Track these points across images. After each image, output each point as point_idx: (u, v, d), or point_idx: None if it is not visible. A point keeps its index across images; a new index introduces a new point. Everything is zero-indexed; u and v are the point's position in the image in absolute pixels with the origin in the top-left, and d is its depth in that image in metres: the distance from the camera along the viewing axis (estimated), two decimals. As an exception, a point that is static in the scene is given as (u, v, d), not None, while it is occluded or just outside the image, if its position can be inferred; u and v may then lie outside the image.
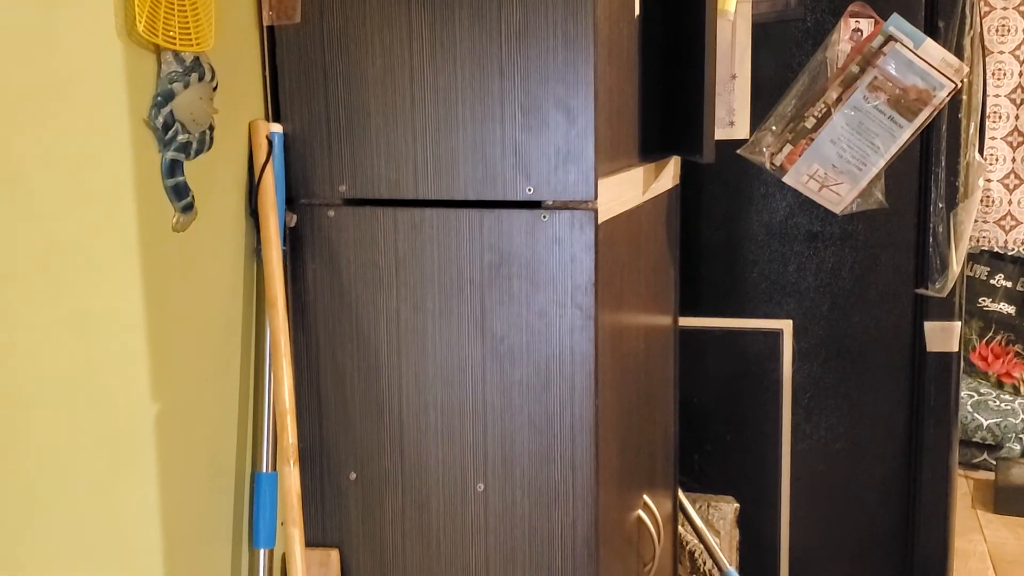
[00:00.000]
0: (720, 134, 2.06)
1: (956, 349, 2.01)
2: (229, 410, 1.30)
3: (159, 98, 1.10)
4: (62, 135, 0.98)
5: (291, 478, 1.29)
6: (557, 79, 1.24)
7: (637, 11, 1.50)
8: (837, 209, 2.00)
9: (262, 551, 1.33)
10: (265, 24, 1.32)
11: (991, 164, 3.96)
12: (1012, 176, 3.97)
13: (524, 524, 1.35)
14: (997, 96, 3.93)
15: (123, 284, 1.07)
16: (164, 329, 1.15)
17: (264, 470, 1.34)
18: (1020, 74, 3.89)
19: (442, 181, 1.30)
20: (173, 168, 1.13)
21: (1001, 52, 3.90)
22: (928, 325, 2.00)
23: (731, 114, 2.06)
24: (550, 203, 1.27)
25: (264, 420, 1.34)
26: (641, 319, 1.62)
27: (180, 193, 1.14)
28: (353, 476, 1.40)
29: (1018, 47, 3.87)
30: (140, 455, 1.11)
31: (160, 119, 1.10)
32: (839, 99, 1.93)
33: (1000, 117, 3.94)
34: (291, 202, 1.36)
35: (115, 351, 1.07)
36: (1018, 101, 3.91)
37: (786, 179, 2.00)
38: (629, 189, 1.47)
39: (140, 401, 1.11)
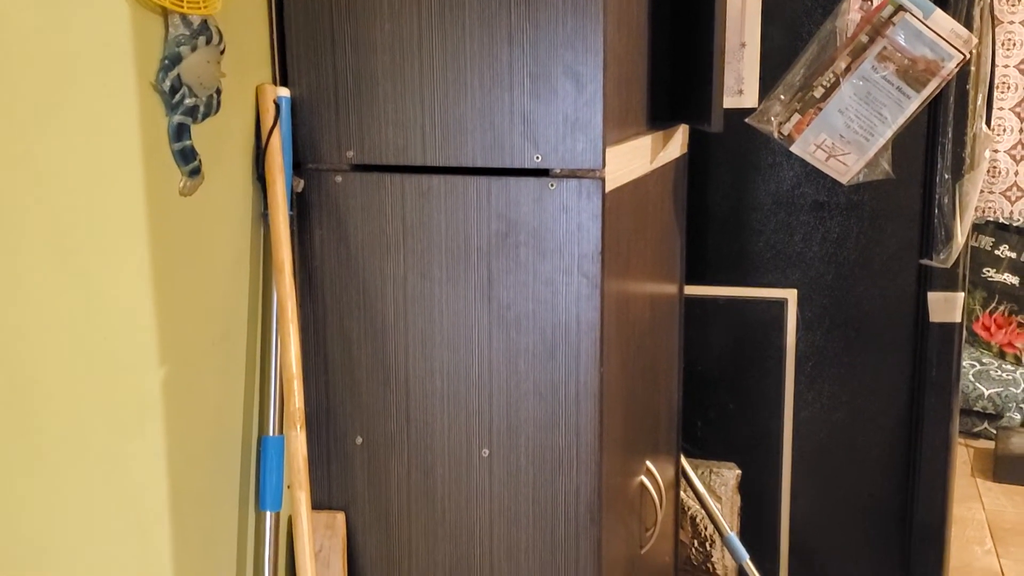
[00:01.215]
0: (728, 103, 2.05)
1: (959, 320, 2.01)
2: (236, 374, 1.30)
3: (166, 61, 1.09)
4: (69, 99, 0.98)
5: (297, 442, 1.30)
6: (566, 46, 1.23)
7: (647, -23, 1.49)
8: (844, 179, 2.00)
9: (268, 513, 1.35)
10: (273, -13, 1.31)
11: (998, 135, 3.94)
12: (1019, 147, 3.95)
13: (528, 489, 1.36)
14: (1006, 67, 3.90)
15: (130, 248, 1.08)
16: (171, 293, 1.15)
17: (271, 434, 1.35)
18: (1031, 44, 3.86)
19: (450, 148, 1.30)
20: (180, 132, 1.13)
21: (1011, 22, 3.86)
22: (931, 296, 2.01)
23: (740, 82, 2.05)
24: (558, 171, 1.27)
25: (271, 384, 1.35)
26: (647, 287, 1.62)
27: (187, 157, 1.14)
28: (359, 440, 1.41)
29: (1029, 17, 3.84)
30: (148, 418, 1.12)
31: (167, 82, 1.09)
32: (848, 69, 1.92)
33: (1009, 88, 3.91)
34: (298, 167, 1.36)
35: (122, 314, 1.07)
36: (1027, 71, 3.88)
37: (793, 148, 2.00)
38: (637, 158, 1.47)
39: (147, 364, 1.12)
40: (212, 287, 1.23)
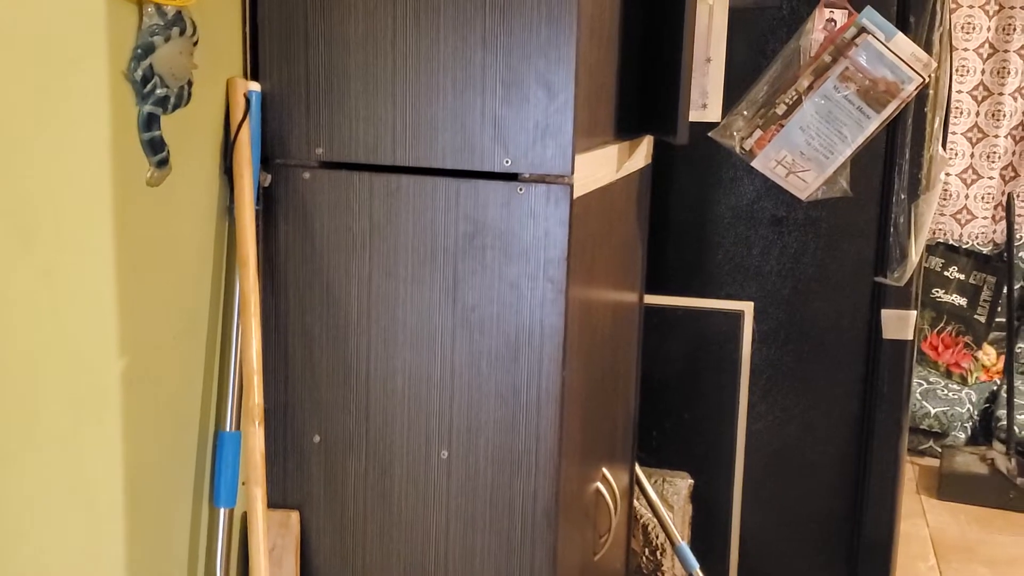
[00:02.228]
0: (692, 116, 2.08)
1: (911, 338, 2.05)
2: (195, 368, 1.29)
3: (139, 51, 1.09)
4: (40, 84, 0.97)
5: (255, 438, 1.30)
6: (539, 54, 1.25)
7: (619, -11, 1.51)
8: (803, 195, 2.04)
9: (222, 510, 1.34)
10: (248, -19, 1.31)
11: (950, 159, 4.04)
12: (970, 171, 4.05)
13: (486, 492, 1.36)
14: (959, 92, 3.99)
15: (94, 236, 1.06)
16: (134, 284, 1.14)
17: (228, 429, 1.34)
18: (982, 71, 3.96)
19: (420, 148, 1.30)
20: (150, 122, 1.12)
21: (965, 49, 3.96)
22: (885, 313, 2.05)
23: (704, 96, 2.08)
24: (527, 176, 1.28)
25: (229, 379, 1.34)
26: (609, 295, 1.64)
27: (156, 147, 1.13)
28: (317, 439, 1.41)
29: (981, 45, 3.93)
30: (105, 409, 1.11)
31: (139, 72, 1.08)
32: (810, 87, 1.96)
33: (961, 113, 4.00)
34: (266, 162, 1.35)
35: (83, 303, 1.06)
36: (979, 98, 3.98)
37: (755, 164, 2.03)
38: (604, 166, 1.48)
39: (107, 355, 1.10)
40: (175, 279, 1.22)
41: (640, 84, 1.69)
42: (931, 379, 3.77)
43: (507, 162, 1.28)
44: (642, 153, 1.84)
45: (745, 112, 2.01)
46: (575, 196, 1.29)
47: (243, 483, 1.37)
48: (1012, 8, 3.88)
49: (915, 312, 2.04)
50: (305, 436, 1.42)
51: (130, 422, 1.16)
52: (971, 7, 3.91)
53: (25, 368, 0.98)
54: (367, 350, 1.37)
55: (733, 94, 2.05)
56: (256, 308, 1.29)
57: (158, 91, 1.12)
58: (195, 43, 1.19)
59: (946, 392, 3.66)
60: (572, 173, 1.27)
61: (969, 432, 3.58)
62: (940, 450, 3.49)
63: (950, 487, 3.28)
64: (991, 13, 3.91)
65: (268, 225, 1.37)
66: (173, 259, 1.21)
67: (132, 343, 1.15)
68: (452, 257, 1.31)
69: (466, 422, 1.35)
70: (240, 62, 1.33)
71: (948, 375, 3.82)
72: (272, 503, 1.44)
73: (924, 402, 3.60)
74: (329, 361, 1.39)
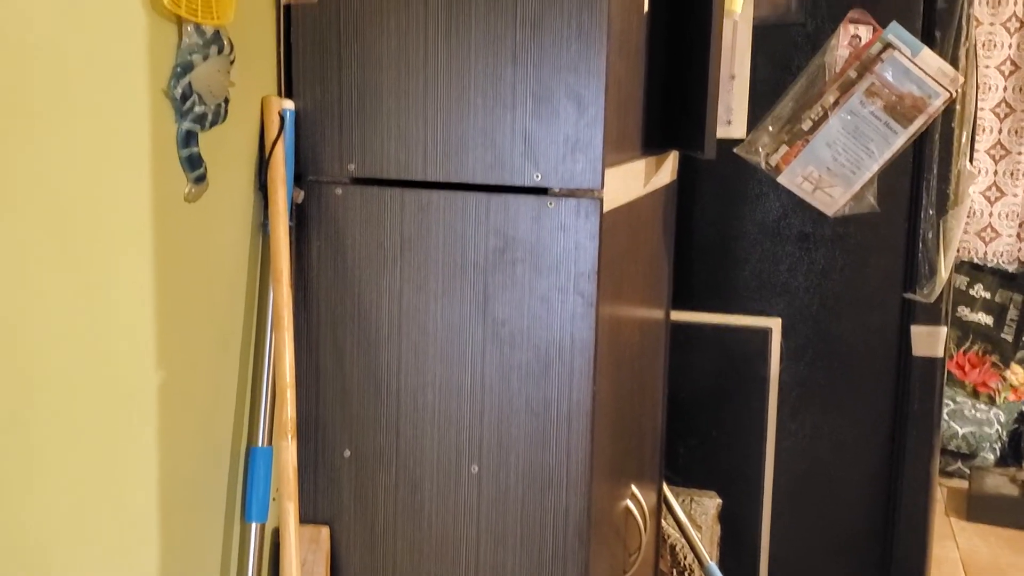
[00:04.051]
0: (717, 133, 2.09)
1: (941, 354, 2.04)
2: (228, 382, 1.30)
3: (178, 69, 1.10)
4: (83, 101, 0.99)
5: (288, 452, 1.30)
6: (569, 68, 1.26)
7: (646, 6, 1.52)
8: (830, 211, 2.03)
9: (254, 525, 1.34)
10: (283, 3, 1.33)
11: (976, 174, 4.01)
12: (993, 188, 4.03)
13: (516, 508, 1.36)
14: (981, 109, 3.98)
15: (134, 252, 1.08)
16: (172, 298, 1.15)
17: (260, 444, 1.34)
18: (1004, 88, 3.95)
19: (451, 164, 1.31)
20: (188, 139, 1.14)
21: (987, 67, 3.95)
22: (915, 329, 2.04)
23: (728, 113, 2.08)
24: (557, 190, 1.29)
25: (262, 393, 1.35)
26: (637, 311, 1.64)
27: (194, 164, 1.15)
28: (348, 453, 1.41)
29: (1003, 62, 3.93)
30: (142, 423, 1.12)
31: (179, 89, 1.10)
32: (836, 103, 1.96)
33: (983, 130, 3.99)
34: (299, 178, 1.37)
35: (124, 318, 1.07)
36: (1001, 115, 3.96)
37: (781, 179, 2.03)
38: (632, 180, 1.49)
39: (143, 369, 1.12)
40: (210, 294, 1.24)
41: (665, 100, 1.70)
42: (958, 399, 3.74)
43: (537, 176, 1.28)
44: (668, 169, 1.84)
45: (770, 128, 2.02)
46: (605, 210, 1.29)
47: (274, 498, 1.38)
48: (1034, 25, 3.87)
49: (945, 328, 2.03)
50: (336, 451, 1.42)
51: (165, 436, 1.16)
52: (992, 24, 3.91)
53: (62, 381, 0.99)
54: (398, 364, 1.37)
55: (757, 111, 2.05)
56: (289, 323, 1.30)
57: (196, 108, 1.13)
58: (232, 62, 1.21)
59: (974, 412, 3.63)
60: (602, 187, 1.27)
61: (998, 453, 3.54)
62: (969, 471, 3.45)
63: (980, 509, 3.24)
64: (1012, 30, 3.90)
65: (301, 241, 1.38)
66: (208, 274, 1.23)
67: (168, 357, 1.16)
68: (482, 271, 1.32)
69: (496, 436, 1.35)
70: (275, 80, 1.35)
71: (975, 395, 3.78)
72: (303, 518, 1.45)
73: (952, 422, 3.56)
74: (360, 375, 1.39)
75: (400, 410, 1.38)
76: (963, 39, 1.94)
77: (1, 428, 0.92)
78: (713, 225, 2.15)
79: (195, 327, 1.21)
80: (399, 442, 1.39)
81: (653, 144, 1.66)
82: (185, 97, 1.11)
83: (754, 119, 2.06)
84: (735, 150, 2.06)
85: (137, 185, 1.07)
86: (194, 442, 1.23)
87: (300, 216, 1.37)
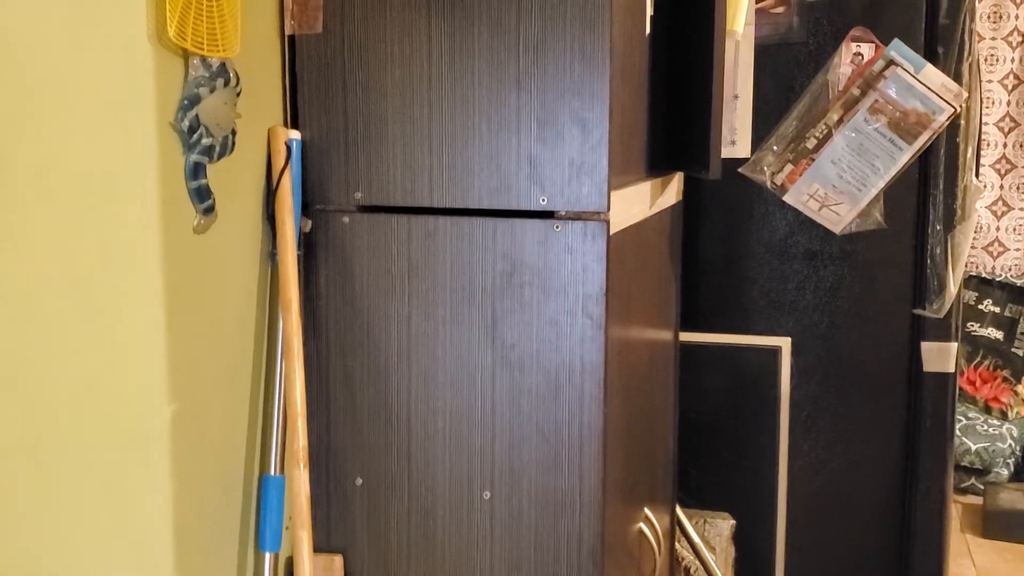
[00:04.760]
0: (722, 153, 2.09)
1: (952, 370, 2.03)
2: (239, 411, 1.30)
3: (185, 101, 1.11)
4: (91, 135, 0.99)
5: (300, 481, 1.30)
6: (573, 92, 1.26)
7: (648, 29, 1.53)
8: (836, 229, 2.03)
9: (268, 554, 1.34)
10: (287, 33, 1.34)
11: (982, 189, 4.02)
12: (1000, 203, 4.02)
13: (530, 533, 1.36)
14: (986, 124, 3.98)
15: (144, 284, 1.08)
16: (182, 329, 1.16)
17: (272, 473, 1.34)
18: (1008, 102, 3.95)
19: (457, 190, 1.32)
20: (196, 171, 1.14)
21: (990, 81, 3.96)
22: (925, 345, 2.03)
23: (732, 133, 2.09)
24: (563, 213, 1.29)
25: (273, 422, 1.35)
26: (646, 332, 1.64)
27: (202, 195, 1.16)
28: (359, 481, 1.41)
29: (1006, 76, 3.93)
30: (154, 455, 1.12)
31: (186, 122, 1.11)
32: (840, 121, 1.96)
33: (988, 144, 3.99)
34: (307, 207, 1.37)
35: (134, 350, 1.07)
36: (1006, 129, 3.96)
37: (786, 198, 2.03)
38: (638, 202, 1.49)
39: (154, 399, 1.12)
40: (220, 324, 1.24)
41: (669, 121, 1.71)
42: (970, 415, 3.72)
43: (543, 200, 1.29)
44: (673, 190, 1.84)
45: (775, 147, 2.02)
46: (611, 232, 1.30)
47: (287, 527, 1.37)
48: (1036, 39, 3.88)
49: (955, 344, 2.02)
50: (347, 479, 1.42)
51: (177, 466, 1.16)
52: (994, 39, 3.92)
53: (73, 411, 0.99)
54: (408, 391, 1.37)
55: (761, 130, 2.06)
56: (299, 351, 1.30)
57: (204, 140, 1.14)
58: (238, 93, 1.21)
59: (986, 428, 3.60)
60: (608, 209, 1.28)
61: (1012, 468, 3.51)
62: (983, 487, 3.42)
63: (995, 525, 3.21)
64: (1015, 44, 3.91)
65: (309, 269, 1.39)
66: (218, 304, 1.23)
67: (178, 387, 1.16)
68: (490, 296, 1.32)
69: (508, 462, 1.35)
70: (281, 111, 1.35)
71: (987, 410, 3.76)
72: (316, 547, 1.44)
73: (964, 438, 3.54)
74: (370, 402, 1.39)
75: (411, 436, 1.38)
76: (966, 54, 1.95)
77: (16, 462, 0.92)
78: (720, 245, 2.15)
79: (205, 358, 1.21)
80: (411, 469, 1.39)
81: (658, 165, 1.66)
82: (192, 130, 1.12)
83: (758, 138, 2.06)
84: (740, 170, 2.07)
85: (146, 218, 1.08)
86: (207, 472, 1.23)
87: (308, 245, 1.38)
